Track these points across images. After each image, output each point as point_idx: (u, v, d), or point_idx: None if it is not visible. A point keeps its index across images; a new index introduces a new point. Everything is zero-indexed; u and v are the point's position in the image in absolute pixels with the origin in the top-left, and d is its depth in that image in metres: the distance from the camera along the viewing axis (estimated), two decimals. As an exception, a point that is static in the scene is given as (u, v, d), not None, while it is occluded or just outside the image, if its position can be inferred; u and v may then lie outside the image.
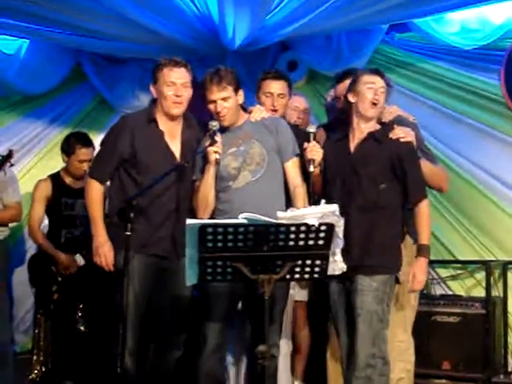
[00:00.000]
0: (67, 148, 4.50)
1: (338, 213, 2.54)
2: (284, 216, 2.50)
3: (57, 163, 5.35)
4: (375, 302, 3.06)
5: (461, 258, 4.77)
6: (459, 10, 4.65)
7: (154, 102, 3.47)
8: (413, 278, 3.13)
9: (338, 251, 2.64)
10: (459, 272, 4.77)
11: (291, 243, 2.44)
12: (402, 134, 3.23)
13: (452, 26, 4.80)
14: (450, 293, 4.72)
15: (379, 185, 3.15)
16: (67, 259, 4.34)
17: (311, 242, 2.44)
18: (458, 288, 4.75)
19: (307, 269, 2.52)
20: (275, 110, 3.64)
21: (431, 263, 4.71)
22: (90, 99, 5.95)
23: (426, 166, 3.34)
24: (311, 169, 3.27)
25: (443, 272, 4.82)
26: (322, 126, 3.90)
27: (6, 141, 5.33)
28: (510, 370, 4.34)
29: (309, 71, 5.56)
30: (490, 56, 4.72)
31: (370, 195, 3.14)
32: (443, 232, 4.84)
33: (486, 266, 4.40)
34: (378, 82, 3.22)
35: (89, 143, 4.50)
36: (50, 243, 4.41)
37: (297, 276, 2.55)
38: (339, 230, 2.54)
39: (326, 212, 2.49)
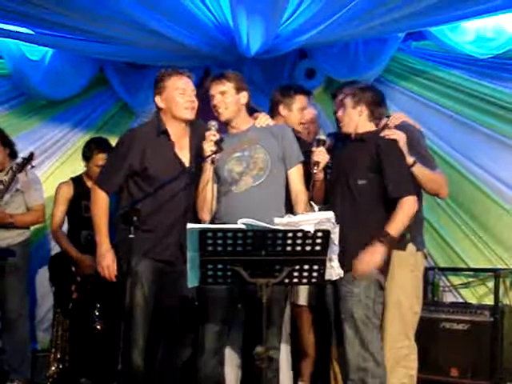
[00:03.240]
0: (86, 152, 4.64)
1: (333, 220, 2.61)
2: (281, 222, 2.58)
3: (79, 166, 5.46)
4: (358, 308, 3.14)
5: (473, 266, 4.79)
6: (475, 19, 4.67)
7: (158, 113, 3.53)
8: (358, 258, 3.14)
9: (335, 257, 2.71)
10: (471, 280, 4.79)
11: (288, 248, 2.51)
12: (389, 132, 3.31)
13: (467, 34, 4.82)
14: (462, 300, 4.74)
15: (357, 181, 3.25)
16: (87, 260, 4.45)
17: (308, 248, 2.51)
18: (469, 296, 4.77)
19: (305, 273, 2.59)
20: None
21: (443, 271, 4.81)
22: (112, 104, 6.05)
23: (420, 171, 3.37)
24: (315, 171, 3.35)
25: (455, 280, 4.85)
26: (332, 135, 3.96)
27: (30, 144, 5.46)
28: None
29: (326, 79, 5.63)
30: (505, 65, 4.75)
31: (351, 192, 3.25)
32: (456, 240, 4.89)
33: (495, 274, 4.40)
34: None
35: (107, 148, 4.59)
36: (70, 244, 4.54)
37: (295, 280, 2.62)
38: (335, 236, 2.61)
39: (321, 219, 2.57)
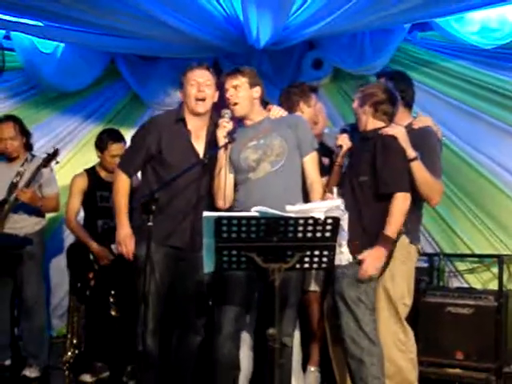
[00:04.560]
0: (100, 144, 4.71)
1: (342, 207, 2.73)
2: (292, 209, 2.69)
3: (91, 157, 5.56)
4: (351, 288, 3.29)
5: (477, 251, 4.88)
6: (479, 9, 4.74)
7: (182, 104, 3.66)
8: (362, 258, 3.26)
9: (344, 243, 2.83)
10: (476, 265, 4.88)
11: (300, 235, 2.62)
12: (388, 129, 3.41)
13: (472, 25, 4.88)
14: (467, 286, 4.83)
15: (359, 178, 3.36)
16: (101, 250, 4.56)
17: (318, 234, 2.62)
18: (474, 281, 4.86)
19: (315, 259, 2.70)
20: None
21: (448, 256, 4.91)
22: (124, 96, 6.15)
23: (419, 169, 3.40)
24: (339, 153, 3.55)
25: (460, 265, 4.94)
26: (350, 125, 4.02)
27: (43, 136, 5.62)
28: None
29: (334, 69, 5.70)
30: (509, 55, 4.81)
31: (353, 187, 3.36)
32: (461, 226, 4.98)
33: (499, 259, 4.49)
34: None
35: (120, 139, 4.70)
36: (86, 233, 4.63)
37: (306, 265, 2.73)
38: (344, 223, 2.73)
39: (331, 206, 2.68)
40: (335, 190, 3.22)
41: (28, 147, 4.77)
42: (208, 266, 2.74)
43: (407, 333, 3.60)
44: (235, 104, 3.45)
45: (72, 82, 5.76)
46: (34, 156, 4.73)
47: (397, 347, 3.54)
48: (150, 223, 3.03)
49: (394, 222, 3.29)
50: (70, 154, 5.84)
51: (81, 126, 5.96)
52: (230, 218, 2.59)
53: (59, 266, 5.56)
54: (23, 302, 4.63)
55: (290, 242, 2.64)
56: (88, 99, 5.98)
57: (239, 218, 2.59)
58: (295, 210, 2.68)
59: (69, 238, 5.63)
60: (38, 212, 4.70)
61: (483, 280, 4.84)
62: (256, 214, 2.59)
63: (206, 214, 2.67)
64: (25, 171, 4.57)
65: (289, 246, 2.65)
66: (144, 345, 3.07)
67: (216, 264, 2.70)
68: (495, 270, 4.66)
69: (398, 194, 3.31)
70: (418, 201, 3.55)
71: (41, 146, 5.47)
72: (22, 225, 4.60)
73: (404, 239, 3.51)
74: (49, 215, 5.42)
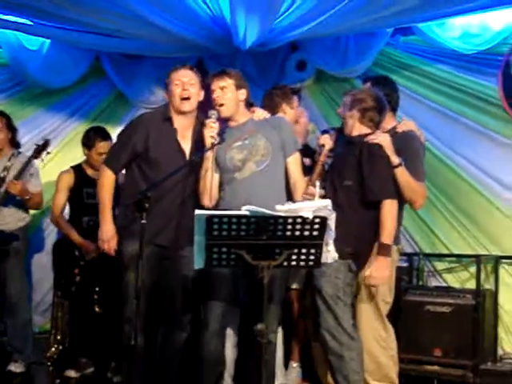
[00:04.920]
0: (87, 141, 4.75)
1: (330, 207, 2.81)
2: (281, 209, 2.77)
3: (76, 154, 5.59)
4: (328, 287, 3.39)
5: (456, 252, 4.99)
6: (461, 16, 4.86)
7: (168, 104, 3.72)
8: (369, 274, 3.40)
9: (331, 242, 2.90)
10: (454, 265, 4.99)
11: (288, 233, 2.70)
12: (373, 136, 3.49)
13: (454, 30, 5.00)
14: (445, 285, 4.93)
15: (343, 182, 3.45)
16: (89, 246, 4.59)
17: (306, 233, 2.70)
18: (452, 280, 4.96)
19: (303, 257, 2.78)
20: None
21: (427, 256, 5.02)
22: (108, 93, 6.18)
23: (403, 174, 3.50)
24: (321, 152, 3.64)
25: (439, 265, 5.04)
26: (336, 129, 4.12)
27: (28, 132, 5.59)
28: (498, 358, 4.57)
29: (317, 71, 5.79)
30: (489, 60, 4.92)
31: (337, 191, 3.46)
32: (439, 227, 5.08)
33: (477, 259, 4.61)
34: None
35: (107, 137, 4.75)
36: (73, 230, 4.67)
37: (293, 263, 2.80)
38: (331, 222, 2.81)
39: (319, 206, 2.77)
40: (317, 183, 3.31)
41: (14, 143, 4.78)
42: (198, 263, 2.80)
43: (388, 330, 3.69)
44: (221, 105, 3.52)
45: (57, 78, 5.77)
46: (20, 152, 4.74)
47: (378, 344, 3.63)
48: (143, 221, 3.08)
49: (388, 229, 3.40)
50: (55, 150, 5.77)
51: (65, 123, 5.97)
52: (221, 217, 2.66)
53: (41, 263, 5.59)
54: (7, 299, 4.64)
55: (278, 240, 2.71)
56: (73, 96, 5.99)
57: (230, 217, 2.66)
58: (285, 209, 2.76)
59: (51, 235, 5.68)
60: (23, 208, 4.71)
61: (461, 279, 4.94)
62: (246, 213, 2.66)
63: (197, 212, 2.74)
64: (12, 166, 4.58)
65: (277, 244, 2.72)
66: (135, 339, 3.10)
67: (206, 261, 2.76)
68: (472, 269, 4.76)
69: (386, 201, 3.41)
70: (399, 203, 3.63)
71: (25, 143, 5.48)
72: (7, 220, 4.62)
73: None
74: (31, 212, 5.46)
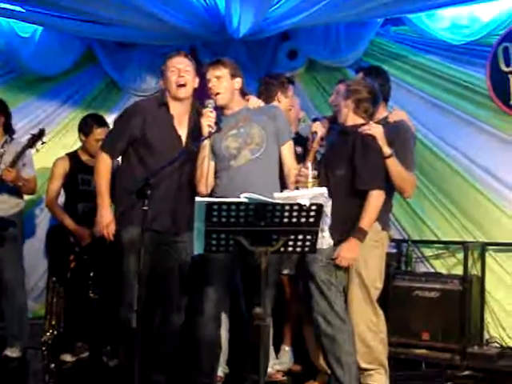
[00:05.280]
0: (85, 128, 4.77)
1: (326, 195, 2.90)
2: (280, 196, 2.85)
3: (69, 141, 5.69)
4: (323, 271, 3.50)
5: (443, 238, 5.10)
6: (451, 7, 4.94)
7: (163, 90, 3.76)
8: (338, 253, 3.49)
9: (326, 228, 2.99)
10: (441, 252, 5.10)
11: (285, 220, 2.77)
12: (366, 127, 3.57)
13: (443, 21, 5.09)
14: (432, 270, 5.05)
15: (336, 171, 3.54)
16: (81, 230, 4.64)
17: (303, 220, 2.77)
18: (440, 266, 5.07)
19: (299, 243, 2.85)
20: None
21: (416, 243, 5.13)
22: (100, 81, 6.21)
23: (393, 164, 3.59)
24: (314, 139, 3.73)
25: (427, 251, 5.15)
26: (327, 118, 4.15)
27: (21, 119, 5.59)
28: (484, 342, 4.70)
29: (308, 60, 5.86)
30: (477, 51, 5.01)
31: (330, 180, 3.54)
32: (428, 214, 5.19)
33: (464, 246, 4.72)
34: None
35: (104, 123, 4.78)
36: (67, 216, 4.70)
37: (290, 249, 2.88)
38: (327, 209, 2.90)
39: (316, 194, 2.86)
40: (309, 165, 3.40)
41: (7, 129, 4.79)
42: (198, 248, 2.87)
43: (378, 315, 3.79)
44: (217, 94, 3.58)
45: (50, 66, 5.80)
46: (13, 139, 4.76)
47: (368, 328, 3.73)
48: (145, 207, 3.14)
49: (369, 217, 3.50)
50: (48, 137, 5.78)
51: (58, 110, 5.99)
52: (220, 204, 2.73)
53: (34, 249, 5.62)
54: (3, 284, 4.68)
55: (276, 226, 2.78)
56: (65, 84, 6.01)
57: (229, 204, 2.73)
58: (283, 196, 2.84)
59: (44, 222, 5.72)
60: (18, 193, 4.73)
61: (448, 265, 5.05)
62: (245, 200, 2.73)
63: (198, 199, 2.81)
64: (4, 152, 4.61)
65: (275, 230, 2.79)
66: (137, 323, 3.17)
67: (205, 246, 2.83)
68: (460, 255, 4.88)
69: (374, 191, 3.50)
70: (390, 191, 3.73)
71: (18, 129, 5.50)
72: (2, 207, 4.64)
73: (376, 226, 3.68)
74: (28, 198, 5.49)
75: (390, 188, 3.70)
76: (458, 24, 5.04)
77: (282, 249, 2.86)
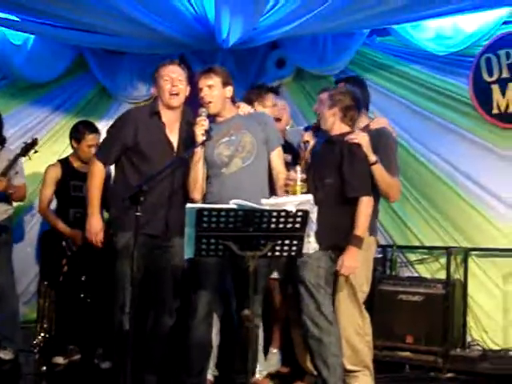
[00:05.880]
0: (76, 134, 4.84)
1: (312, 201, 3.01)
2: (267, 203, 2.96)
3: (60, 147, 5.76)
4: (312, 275, 3.57)
5: (427, 244, 5.21)
6: (435, 19, 5.07)
7: (155, 99, 3.86)
8: (341, 263, 3.57)
9: (312, 233, 3.10)
10: (425, 257, 5.22)
11: (273, 226, 2.88)
12: (353, 136, 3.67)
13: (428, 32, 5.22)
14: (417, 275, 5.16)
15: (324, 180, 3.63)
16: (72, 232, 4.71)
17: (289, 225, 2.89)
18: (424, 271, 5.18)
19: (286, 247, 2.97)
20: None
21: (400, 248, 5.25)
22: (92, 88, 6.29)
23: (379, 171, 3.68)
24: (306, 148, 3.82)
25: (411, 256, 5.27)
26: (312, 126, 4.23)
27: (12, 126, 5.63)
28: (466, 345, 4.80)
29: (296, 69, 5.99)
30: (461, 61, 5.14)
31: (318, 189, 3.62)
32: (412, 220, 5.31)
33: (448, 251, 4.82)
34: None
35: (96, 130, 4.86)
36: (59, 220, 4.77)
37: (277, 253, 2.99)
38: (313, 215, 3.01)
39: (302, 200, 2.97)
40: (298, 168, 3.50)
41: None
42: (188, 253, 2.97)
43: (364, 317, 3.88)
44: (209, 102, 3.68)
45: (41, 73, 5.87)
46: (4, 147, 4.82)
47: (355, 331, 3.83)
48: (138, 213, 3.23)
49: (362, 224, 3.59)
50: (39, 144, 5.81)
51: (49, 117, 6.06)
52: (210, 210, 2.84)
53: (24, 254, 5.68)
54: None
55: (263, 232, 2.89)
56: (57, 91, 6.08)
57: (219, 210, 2.83)
58: (271, 203, 2.95)
59: (34, 228, 5.78)
60: (7, 200, 4.79)
61: (432, 270, 5.16)
62: (234, 207, 2.84)
63: (188, 205, 2.91)
64: None
65: (263, 235, 2.90)
66: (130, 325, 3.26)
67: (196, 251, 2.93)
68: (443, 260, 4.98)
69: (364, 198, 3.60)
70: (376, 197, 3.83)
71: (10, 136, 5.58)
72: None
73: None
74: (18, 204, 5.55)
75: (376, 194, 3.80)
76: (442, 35, 5.17)
77: (269, 253, 2.96)
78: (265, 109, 4.16)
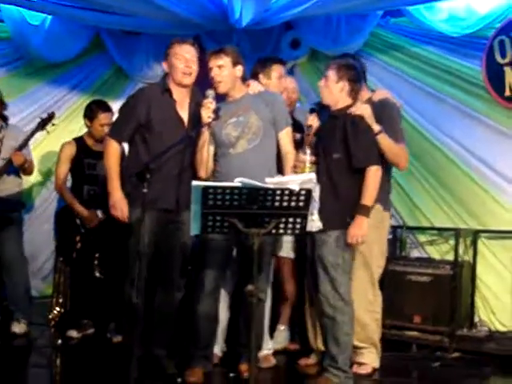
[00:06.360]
0: (90, 113, 4.93)
1: (314, 180, 3.07)
2: (271, 181, 3.02)
3: (76, 126, 5.84)
4: (330, 254, 3.62)
5: (437, 225, 5.24)
6: (448, 0, 5.06)
7: (166, 76, 3.91)
8: (348, 232, 3.61)
9: (316, 212, 3.17)
10: (435, 238, 5.25)
11: (276, 204, 2.94)
12: (354, 108, 3.71)
13: (441, 13, 5.19)
14: (426, 256, 5.20)
15: (333, 155, 3.66)
16: (88, 214, 4.81)
17: (293, 204, 2.95)
18: (433, 252, 5.22)
19: (290, 225, 3.03)
20: None
21: (411, 229, 5.29)
22: (108, 68, 6.35)
23: (384, 140, 3.75)
24: (310, 132, 3.84)
25: (421, 237, 5.31)
26: (316, 104, 4.30)
27: (30, 105, 5.79)
28: (473, 325, 4.84)
29: (310, 50, 6.01)
30: (474, 43, 5.12)
31: (327, 164, 3.67)
32: (423, 201, 5.34)
33: (456, 232, 4.86)
34: None
35: (109, 109, 4.95)
36: (74, 199, 4.87)
37: (281, 231, 3.06)
38: (315, 194, 3.07)
39: (305, 179, 3.03)
40: (308, 151, 3.55)
41: (2, 116, 4.91)
42: (194, 229, 3.04)
43: (376, 295, 3.98)
44: (219, 82, 3.73)
45: (58, 53, 5.92)
46: (7, 124, 4.88)
47: (365, 308, 3.92)
48: (145, 190, 3.32)
49: (370, 193, 3.63)
50: (56, 122, 5.99)
51: (66, 97, 6.13)
52: (215, 187, 2.90)
53: (42, 231, 5.81)
54: (7, 264, 4.85)
55: (267, 209, 2.96)
56: (73, 71, 6.14)
57: (224, 188, 2.90)
58: (274, 181, 3.02)
59: (52, 205, 5.88)
60: (17, 174, 4.88)
61: (442, 251, 5.19)
62: (239, 185, 2.90)
63: (194, 183, 2.98)
64: (3, 137, 4.76)
65: (267, 213, 2.97)
66: (130, 301, 3.35)
67: (201, 228, 3.00)
68: (453, 242, 4.98)
69: (371, 167, 3.64)
70: (386, 172, 3.90)
71: (27, 115, 5.71)
72: (7, 186, 4.79)
73: (378, 207, 3.87)
74: (36, 181, 5.69)
75: (386, 170, 3.86)
76: (456, 16, 5.14)
77: (273, 231, 3.03)
78: (270, 81, 4.18)
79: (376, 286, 3.94)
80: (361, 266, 3.88)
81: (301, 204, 2.95)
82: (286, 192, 2.91)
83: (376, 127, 3.73)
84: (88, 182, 4.91)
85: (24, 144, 4.69)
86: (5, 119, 4.91)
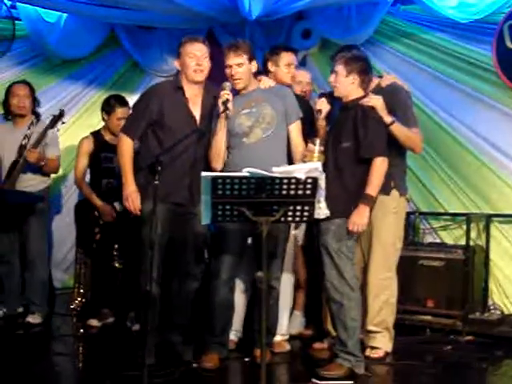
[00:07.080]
0: (107, 107, 5.03)
1: (320, 169, 3.14)
2: (278, 170, 3.10)
3: (93, 121, 5.96)
4: (334, 241, 3.68)
5: (450, 210, 5.28)
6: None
7: (178, 73, 4.01)
8: (350, 220, 3.66)
9: (322, 199, 3.24)
10: (448, 223, 5.30)
11: (284, 192, 3.02)
12: (367, 99, 3.76)
13: (451, 0, 5.22)
14: (439, 241, 5.25)
15: (342, 144, 3.72)
16: (105, 207, 4.93)
17: (300, 192, 3.02)
18: (446, 237, 5.27)
19: (297, 213, 3.10)
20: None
21: (424, 215, 5.34)
22: (123, 63, 6.47)
23: (397, 129, 3.81)
24: (319, 117, 3.92)
25: (434, 223, 5.35)
26: (327, 94, 4.37)
27: (47, 101, 5.84)
28: (486, 309, 4.88)
29: (321, 39, 6.06)
30: (484, 29, 5.13)
31: (336, 153, 3.73)
32: (436, 187, 5.39)
33: (467, 217, 4.91)
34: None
35: (126, 103, 5.04)
36: (93, 192, 4.98)
37: (289, 219, 3.14)
38: (322, 182, 3.14)
39: (311, 168, 3.10)
40: (317, 141, 3.62)
41: (34, 112, 5.08)
42: (205, 219, 3.14)
43: (393, 279, 4.05)
44: (239, 79, 3.83)
45: (75, 50, 6.06)
46: (38, 121, 5.02)
47: (381, 292, 3.99)
48: (156, 182, 3.42)
49: (374, 183, 3.68)
50: (74, 118, 6.11)
51: (83, 92, 6.27)
52: (224, 178, 3.00)
53: (63, 224, 5.97)
54: (28, 255, 4.97)
55: (275, 198, 3.04)
56: (90, 67, 6.27)
57: (232, 178, 2.99)
58: (280, 170, 3.10)
59: (72, 198, 6.02)
60: (42, 172, 4.99)
61: (455, 236, 5.24)
62: (247, 174, 2.99)
63: (204, 173, 3.07)
64: (32, 133, 4.87)
65: (275, 201, 3.04)
66: (150, 286, 3.46)
67: (212, 217, 3.10)
68: (466, 227, 5.01)
69: (378, 158, 3.69)
70: (402, 159, 4.00)
71: (45, 111, 5.80)
72: (30, 183, 4.92)
73: (395, 193, 3.98)
74: (56, 176, 5.81)
75: (403, 156, 3.95)
76: (465, 2, 5.15)
77: (282, 218, 3.11)
78: (278, 68, 4.24)
79: (393, 269, 4.00)
80: (378, 252, 3.95)
81: (308, 192, 3.02)
82: (293, 181, 2.99)
83: (388, 119, 3.77)
84: (106, 175, 5.02)
85: (38, 142, 4.79)
86: (37, 115, 5.04)
